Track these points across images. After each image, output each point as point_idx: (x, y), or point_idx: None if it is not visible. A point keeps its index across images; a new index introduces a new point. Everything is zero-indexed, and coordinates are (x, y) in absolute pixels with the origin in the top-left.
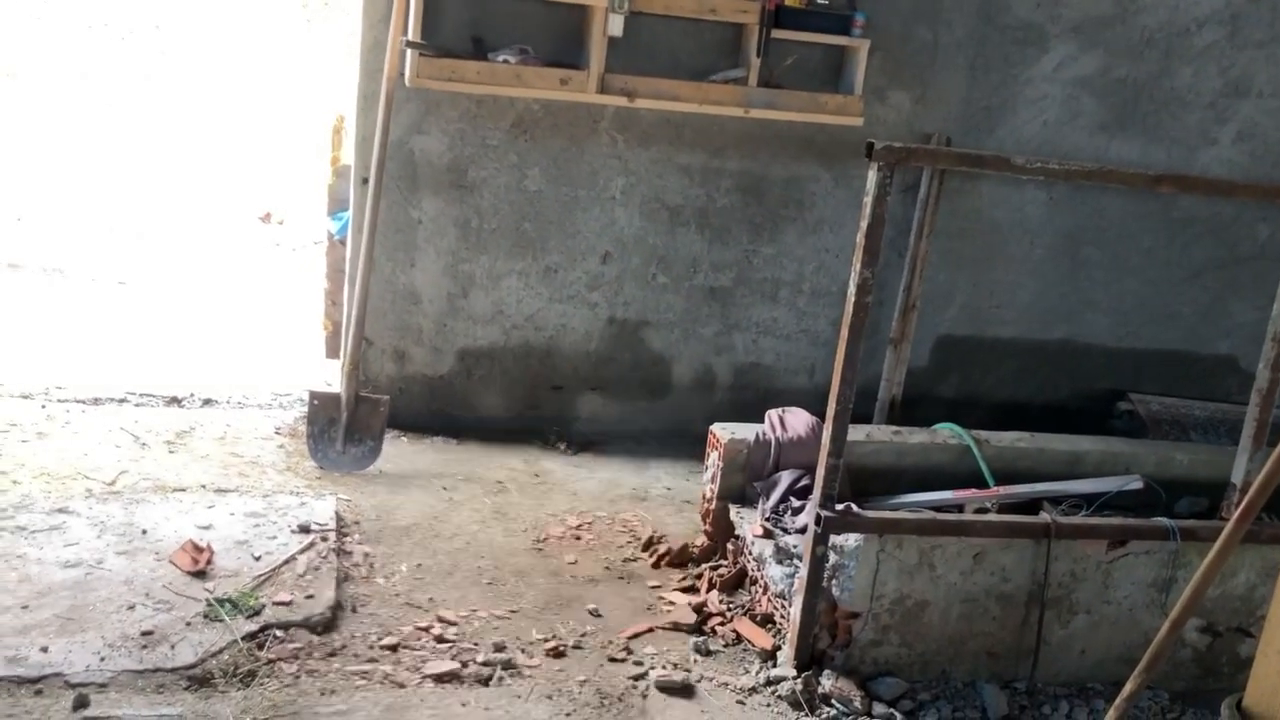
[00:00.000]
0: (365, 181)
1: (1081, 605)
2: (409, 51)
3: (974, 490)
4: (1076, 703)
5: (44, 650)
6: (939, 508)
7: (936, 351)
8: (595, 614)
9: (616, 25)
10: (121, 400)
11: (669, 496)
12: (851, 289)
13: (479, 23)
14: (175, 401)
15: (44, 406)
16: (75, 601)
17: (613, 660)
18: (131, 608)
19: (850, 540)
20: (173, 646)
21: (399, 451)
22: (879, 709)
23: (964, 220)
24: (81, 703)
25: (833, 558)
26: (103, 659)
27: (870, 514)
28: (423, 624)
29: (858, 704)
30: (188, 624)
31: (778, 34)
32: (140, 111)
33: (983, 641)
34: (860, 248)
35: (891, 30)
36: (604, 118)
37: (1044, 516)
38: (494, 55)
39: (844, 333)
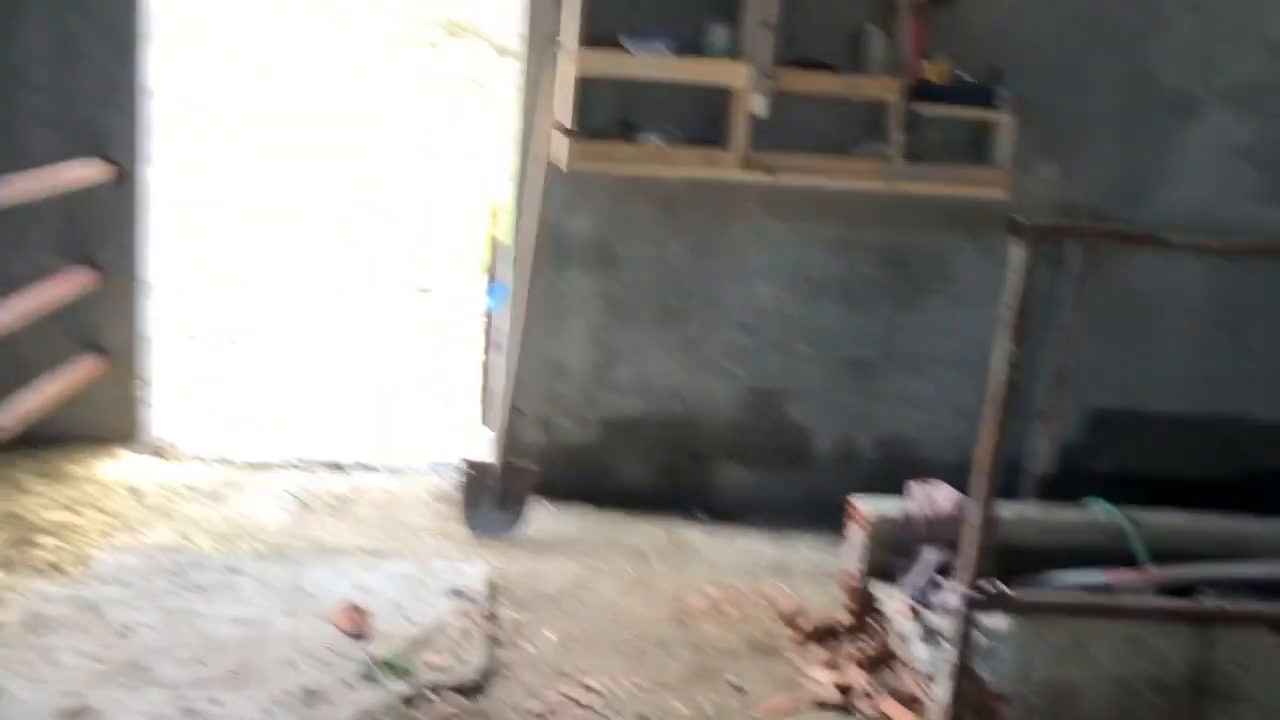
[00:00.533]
0: (518, 258)
1: (1248, 696)
2: (561, 135)
3: (1128, 571)
4: None
5: (216, 703)
6: (1091, 589)
7: (1088, 426)
8: (738, 688)
9: (760, 105)
10: (287, 465)
11: (810, 569)
12: (999, 365)
13: (627, 106)
14: (337, 467)
15: (218, 470)
16: (244, 657)
17: None
18: (295, 665)
19: (999, 621)
20: (333, 705)
21: (545, 518)
22: None
23: (1116, 292)
24: None
25: (980, 639)
26: (269, 714)
27: (1019, 595)
28: (568, 692)
29: None
30: (347, 684)
31: (920, 108)
32: (303, 188)
33: None
34: (1007, 324)
35: (1038, 101)
36: (746, 193)
37: (1205, 601)
38: (642, 137)
39: (991, 410)
